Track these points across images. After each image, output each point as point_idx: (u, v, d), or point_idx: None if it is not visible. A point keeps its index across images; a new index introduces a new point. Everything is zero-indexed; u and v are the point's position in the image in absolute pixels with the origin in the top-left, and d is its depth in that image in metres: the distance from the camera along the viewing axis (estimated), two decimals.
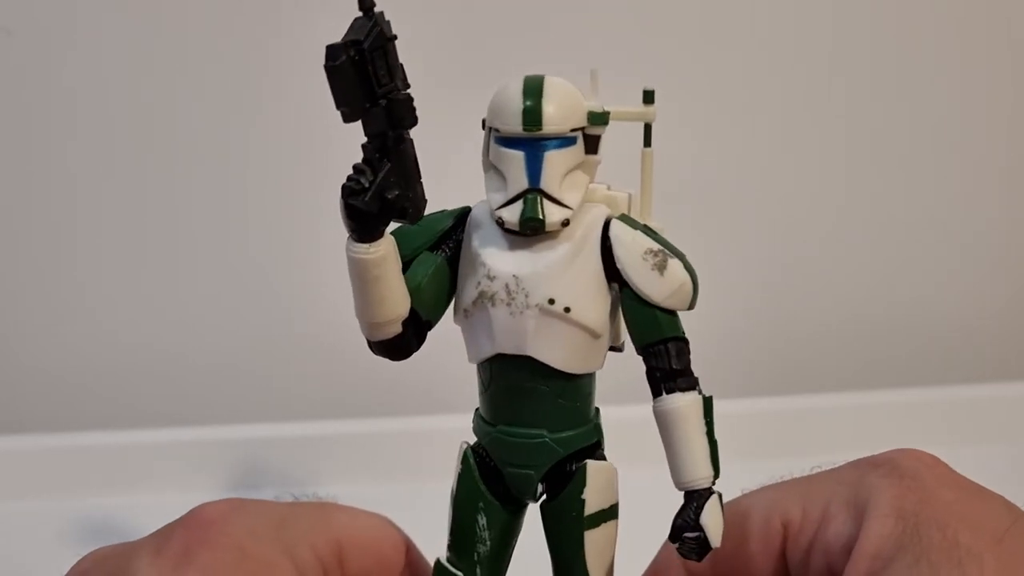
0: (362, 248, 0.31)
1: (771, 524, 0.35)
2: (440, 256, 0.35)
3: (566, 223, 0.33)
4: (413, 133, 0.31)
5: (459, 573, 0.36)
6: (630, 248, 0.33)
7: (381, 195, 0.30)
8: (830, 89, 0.71)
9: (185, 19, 0.67)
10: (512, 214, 0.33)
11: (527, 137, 0.32)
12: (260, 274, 0.72)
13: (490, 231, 0.34)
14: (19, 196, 0.70)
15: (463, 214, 0.35)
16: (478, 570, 0.36)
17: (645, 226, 0.34)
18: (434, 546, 0.38)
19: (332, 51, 0.28)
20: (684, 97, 0.69)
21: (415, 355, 0.35)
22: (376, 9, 0.29)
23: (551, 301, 0.33)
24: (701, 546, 0.33)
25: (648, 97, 0.35)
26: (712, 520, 0.33)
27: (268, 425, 0.67)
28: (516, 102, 0.32)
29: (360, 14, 0.29)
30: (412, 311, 0.33)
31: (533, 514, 0.37)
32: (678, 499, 0.34)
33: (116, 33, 0.67)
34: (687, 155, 0.70)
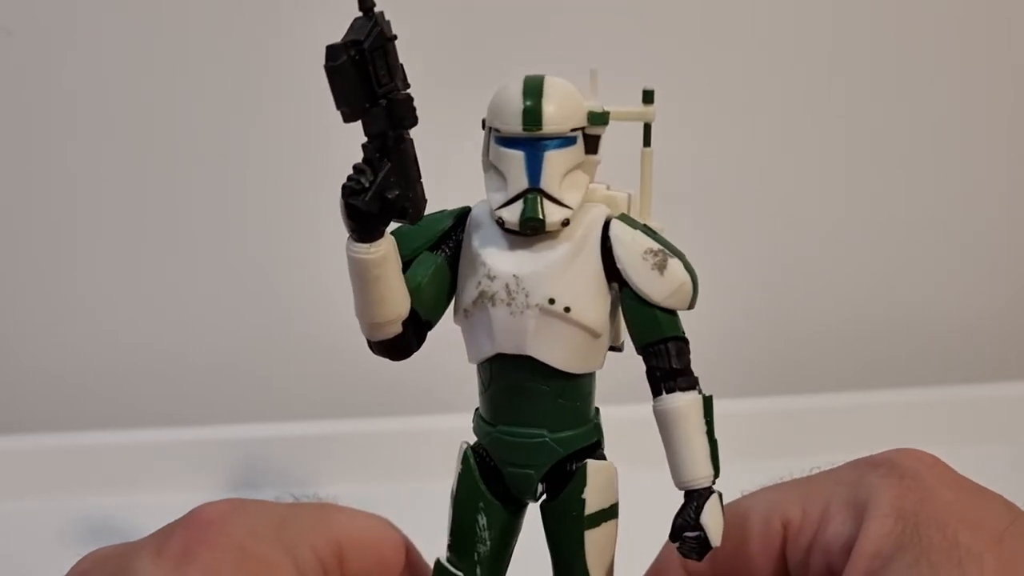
0: (362, 248, 0.31)
1: (771, 524, 0.35)
2: (440, 256, 0.35)
3: (566, 223, 0.33)
4: (413, 133, 0.31)
5: (459, 573, 0.36)
6: (630, 248, 0.33)
7: (381, 195, 0.30)
8: (830, 89, 0.71)
9: (185, 19, 0.67)
10: (512, 214, 0.33)
11: (527, 137, 0.32)
12: (260, 274, 0.72)
13: (490, 231, 0.34)
14: (19, 196, 0.70)
15: (463, 214, 0.35)
16: (478, 570, 0.36)
17: (645, 226, 0.34)
18: (434, 546, 0.38)
19: (332, 51, 0.28)
20: (684, 97, 0.69)
21: (415, 355, 0.35)
22: (376, 9, 0.29)
23: (551, 301, 0.33)
24: (701, 545, 0.33)
25: (647, 97, 0.35)
26: (712, 519, 0.33)
27: (268, 425, 0.67)
28: (516, 102, 0.32)
29: (360, 14, 0.29)
30: (412, 311, 0.33)
31: (533, 514, 0.37)
32: (677, 499, 0.34)
33: (116, 33, 0.67)
34: (687, 155, 0.70)
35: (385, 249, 0.31)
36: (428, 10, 0.65)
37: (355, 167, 0.30)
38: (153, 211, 0.70)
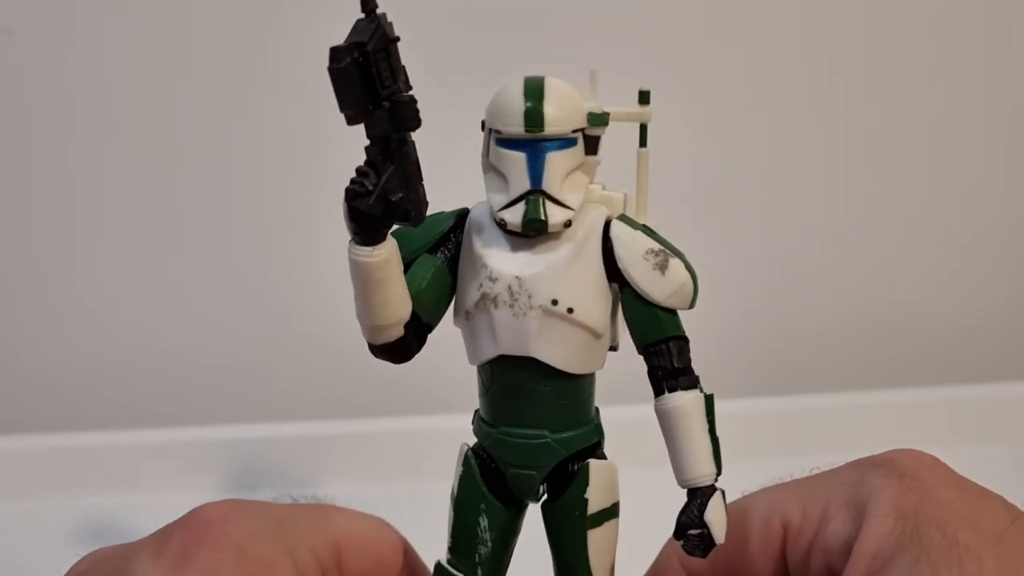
0: (365, 251, 0.31)
1: (771, 525, 0.36)
2: (439, 258, 0.35)
3: (568, 224, 0.33)
4: (413, 134, 0.31)
5: (460, 575, 0.36)
6: (631, 248, 0.34)
7: (385, 197, 0.30)
8: (830, 89, 0.71)
9: (185, 19, 0.67)
10: (515, 215, 0.33)
11: (529, 138, 0.32)
12: (260, 274, 0.72)
13: (491, 232, 0.34)
14: (19, 196, 0.70)
15: (461, 216, 0.35)
16: (479, 571, 0.36)
17: (644, 226, 0.34)
18: (434, 546, 0.38)
19: (336, 53, 0.28)
20: (684, 97, 0.69)
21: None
22: (378, 10, 0.29)
23: (554, 302, 0.33)
24: (705, 542, 0.33)
25: (644, 98, 0.35)
26: (716, 516, 0.33)
27: (268, 425, 0.67)
28: (517, 103, 0.32)
29: (362, 15, 0.29)
30: (413, 314, 0.33)
31: (532, 514, 0.37)
32: (674, 498, 0.34)
33: (116, 33, 0.67)
34: (687, 155, 0.70)
35: (388, 252, 0.31)
36: (428, 10, 0.65)
37: (358, 170, 0.30)
38: (153, 211, 0.70)
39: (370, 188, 0.29)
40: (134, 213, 0.70)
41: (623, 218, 0.34)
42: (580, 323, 0.33)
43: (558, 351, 0.34)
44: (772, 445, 0.62)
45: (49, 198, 0.70)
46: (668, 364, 0.34)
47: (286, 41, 0.67)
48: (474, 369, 0.36)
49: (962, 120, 0.73)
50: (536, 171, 0.32)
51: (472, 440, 0.37)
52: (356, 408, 0.69)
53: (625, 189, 0.37)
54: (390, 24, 0.29)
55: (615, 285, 0.34)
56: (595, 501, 0.35)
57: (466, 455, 0.36)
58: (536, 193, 0.32)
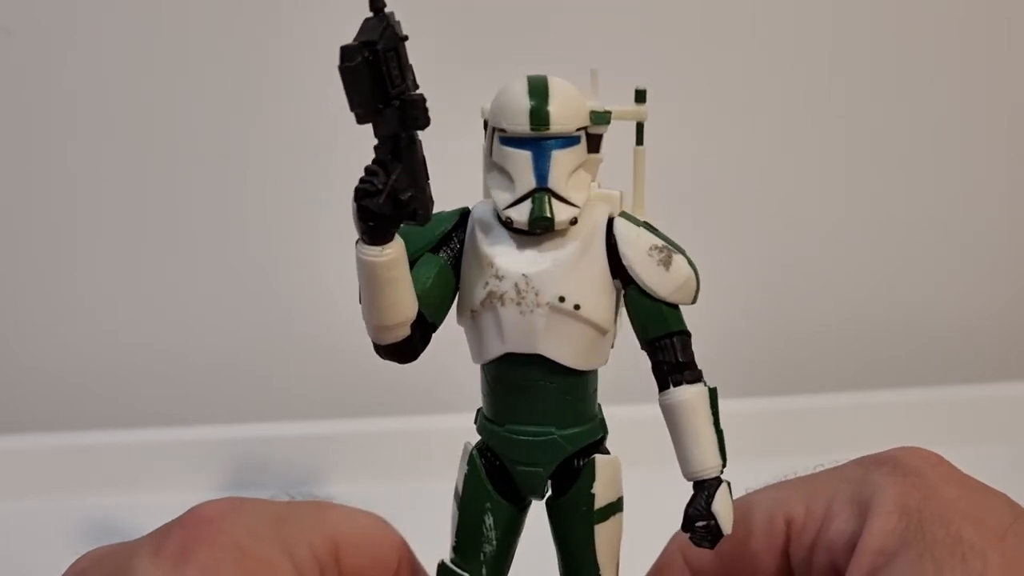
0: (374, 251, 0.31)
1: (774, 522, 0.36)
2: (442, 257, 0.35)
3: (574, 221, 0.33)
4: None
5: (465, 574, 0.36)
6: (635, 245, 0.34)
7: (394, 197, 0.30)
8: (830, 89, 0.71)
9: (185, 19, 0.67)
10: (521, 214, 0.33)
11: (534, 137, 0.32)
12: (260, 274, 0.72)
13: (495, 231, 0.34)
14: (19, 196, 0.70)
15: (463, 215, 0.35)
16: (484, 570, 0.36)
17: (646, 223, 0.35)
18: (434, 546, 0.38)
19: (348, 52, 0.28)
20: (684, 97, 0.69)
21: None
22: (386, 9, 0.29)
23: (561, 299, 0.33)
24: (713, 533, 0.33)
25: (640, 96, 0.35)
26: (723, 508, 0.33)
27: (268, 425, 0.67)
28: (522, 102, 0.32)
29: (371, 14, 0.29)
30: (418, 313, 0.33)
31: (531, 514, 0.37)
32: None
33: (116, 33, 0.67)
34: (687, 155, 0.70)
35: (396, 251, 0.31)
36: (428, 10, 0.65)
37: (367, 169, 0.30)
38: (153, 211, 0.70)
39: (380, 187, 0.29)
40: (134, 213, 0.70)
41: (625, 215, 0.35)
42: (587, 319, 0.34)
43: (564, 348, 0.34)
44: (772, 445, 0.61)
45: (49, 198, 0.70)
46: (673, 359, 0.34)
47: (286, 41, 0.67)
48: (474, 368, 0.36)
49: (962, 120, 0.73)
50: (542, 169, 0.33)
51: (473, 439, 0.37)
52: (356, 408, 0.69)
53: (620, 187, 0.37)
54: (398, 23, 0.29)
55: (618, 281, 0.34)
56: (601, 496, 0.35)
57: (471, 454, 0.36)
58: (542, 191, 0.33)
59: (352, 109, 0.28)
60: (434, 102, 0.30)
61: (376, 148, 0.30)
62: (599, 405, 0.37)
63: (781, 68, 0.70)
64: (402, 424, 0.67)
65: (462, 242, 0.35)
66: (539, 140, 0.33)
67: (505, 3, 0.67)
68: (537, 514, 0.37)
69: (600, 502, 0.35)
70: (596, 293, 0.34)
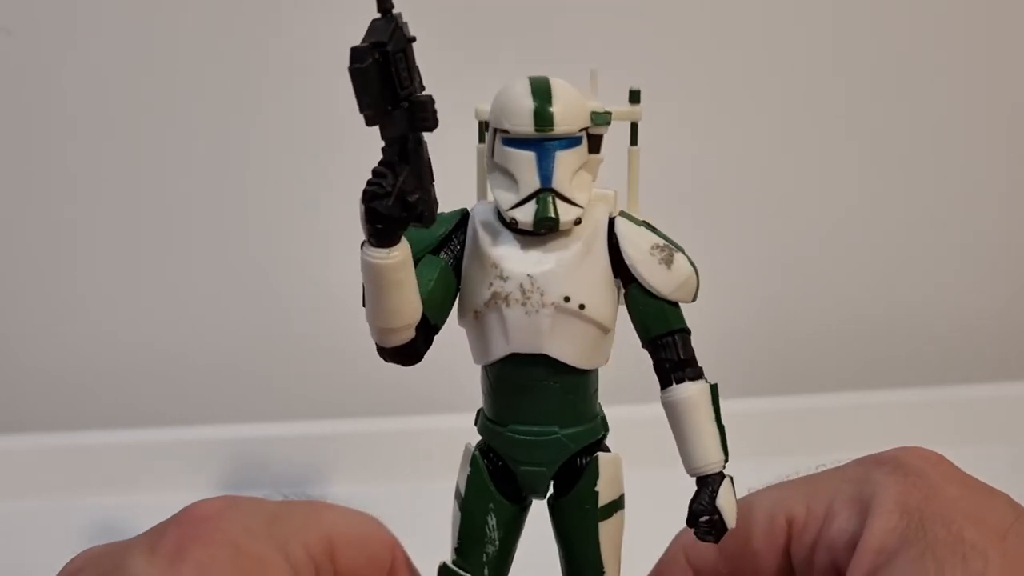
0: (381, 253, 0.31)
1: (775, 521, 0.36)
2: (443, 259, 0.35)
3: (578, 221, 0.33)
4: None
5: (467, 575, 0.36)
6: (638, 244, 0.34)
7: (403, 198, 0.30)
8: (830, 89, 0.71)
9: (185, 19, 0.67)
10: (526, 214, 0.33)
11: (538, 138, 0.33)
12: (260, 274, 0.72)
13: (498, 232, 0.34)
14: (19, 196, 0.70)
15: (463, 216, 0.35)
16: (486, 571, 0.36)
17: (645, 222, 0.35)
18: (434, 546, 0.38)
19: (358, 53, 0.28)
20: (684, 97, 0.69)
21: None
22: (394, 10, 0.28)
23: (566, 299, 0.34)
24: (718, 528, 0.34)
25: (634, 97, 0.36)
26: (727, 502, 0.34)
27: (268, 425, 0.67)
28: (526, 103, 0.32)
29: (378, 15, 0.29)
30: (422, 315, 0.33)
31: (531, 513, 0.37)
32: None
33: (115, 33, 0.67)
34: (687, 155, 0.70)
35: (403, 253, 0.31)
36: (425, 10, 0.65)
37: (375, 171, 0.30)
38: (153, 211, 0.70)
39: (388, 189, 0.29)
40: (134, 213, 0.70)
41: (625, 214, 0.35)
42: (591, 319, 0.34)
43: (569, 347, 0.34)
44: (772, 445, 0.62)
45: (49, 198, 0.70)
46: (675, 356, 0.34)
47: (286, 41, 0.67)
48: (473, 368, 0.36)
49: (962, 120, 0.73)
50: (546, 170, 0.33)
51: (473, 439, 0.37)
52: (356, 408, 0.69)
53: (613, 187, 0.37)
54: (405, 24, 0.29)
55: (618, 280, 0.35)
56: (605, 494, 0.36)
57: (474, 455, 0.36)
58: (546, 191, 0.33)
59: (362, 111, 0.28)
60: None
61: (384, 150, 0.30)
62: (599, 404, 0.37)
63: (781, 68, 0.70)
64: (402, 424, 0.67)
65: (462, 243, 0.35)
66: (542, 141, 0.33)
67: (504, 3, 0.67)
68: (537, 513, 0.37)
69: (603, 500, 0.35)
70: (600, 292, 0.34)
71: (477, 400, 0.37)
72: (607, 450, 0.36)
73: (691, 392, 0.34)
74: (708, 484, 0.34)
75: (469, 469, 0.36)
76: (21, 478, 0.64)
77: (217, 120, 0.69)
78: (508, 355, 0.34)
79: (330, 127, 0.67)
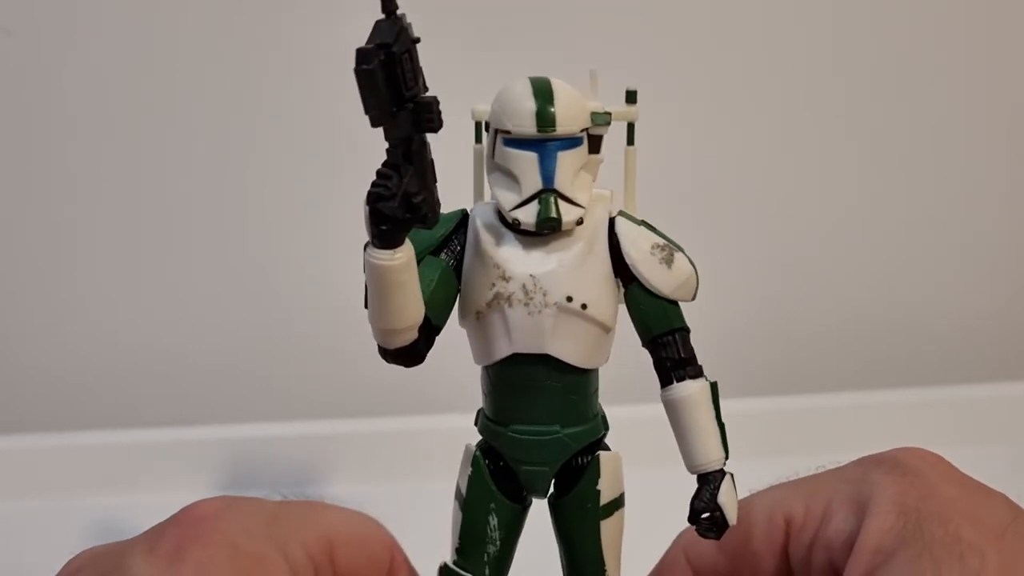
0: (386, 255, 0.31)
1: (774, 521, 0.36)
2: (444, 259, 0.35)
3: (580, 221, 0.34)
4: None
5: (468, 575, 0.36)
6: (638, 244, 0.34)
7: (407, 200, 0.30)
8: (830, 89, 0.71)
9: (184, 19, 0.67)
10: (528, 215, 0.33)
11: (540, 138, 0.33)
12: (260, 274, 0.72)
13: (500, 232, 0.34)
14: (19, 196, 0.70)
15: (463, 217, 0.35)
16: (487, 570, 0.36)
17: (644, 221, 0.35)
18: (434, 546, 0.38)
19: (364, 55, 0.28)
20: (684, 97, 0.69)
21: None
22: (399, 11, 0.28)
23: (569, 299, 0.34)
24: (719, 525, 0.34)
25: (631, 97, 0.36)
26: (728, 499, 0.34)
27: (268, 425, 0.67)
28: (527, 104, 0.33)
29: (382, 16, 0.28)
30: (424, 316, 0.33)
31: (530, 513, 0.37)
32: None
33: (116, 33, 0.67)
34: (687, 154, 0.70)
35: (407, 255, 0.31)
36: (426, 10, 0.65)
37: (380, 172, 0.30)
38: (153, 211, 0.70)
39: (394, 191, 0.29)
40: (134, 213, 0.70)
41: (624, 214, 0.35)
42: (593, 319, 0.34)
43: (571, 347, 0.34)
44: (772, 445, 0.62)
45: (49, 198, 0.70)
46: (675, 355, 0.34)
47: (286, 41, 0.67)
48: (473, 368, 0.36)
49: (962, 120, 0.73)
50: (548, 170, 0.33)
51: (473, 439, 0.37)
52: (356, 408, 0.69)
53: (609, 187, 0.37)
54: (410, 24, 0.29)
55: (618, 280, 0.35)
56: (606, 492, 0.36)
57: (475, 456, 0.36)
58: (549, 192, 0.33)
59: (367, 112, 0.28)
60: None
61: (388, 151, 0.30)
62: (599, 403, 0.37)
63: (781, 68, 0.70)
64: (401, 424, 0.67)
65: (463, 244, 0.35)
66: (544, 141, 0.33)
67: (504, 3, 0.67)
68: (537, 513, 0.37)
69: (605, 498, 0.36)
70: (601, 292, 0.34)
71: (477, 400, 0.37)
72: (607, 449, 0.37)
73: (692, 390, 0.34)
74: (709, 481, 0.34)
75: (470, 469, 0.36)
76: (21, 478, 0.64)
77: (217, 120, 0.69)
78: (510, 355, 0.34)
79: (330, 127, 0.67)
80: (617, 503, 0.36)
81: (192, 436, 0.66)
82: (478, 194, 0.37)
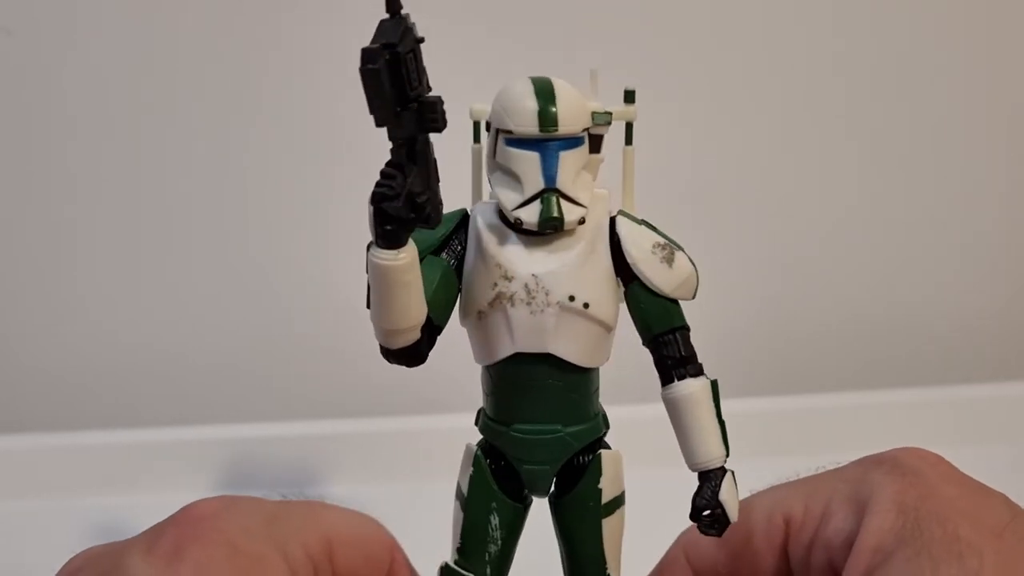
0: (390, 255, 0.31)
1: (773, 521, 0.36)
2: (445, 259, 0.35)
3: (582, 221, 0.34)
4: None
5: (469, 575, 0.36)
6: (639, 244, 0.34)
7: (412, 199, 0.30)
8: (830, 89, 0.71)
9: (184, 19, 0.67)
10: (531, 214, 0.33)
11: (542, 138, 0.33)
12: (260, 274, 0.72)
13: (501, 232, 0.34)
14: (19, 196, 0.70)
15: (463, 217, 0.35)
16: (488, 570, 0.36)
17: (643, 220, 0.35)
18: (434, 546, 0.38)
19: (369, 54, 0.28)
20: (684, 97, 0.69)
21: None
22: (403, 11, 0.28)
23: (571, 298, 0.34)
24: (721, 522, 0.34)
25: (629, 97, 0.36)
26: (729, 496, 0.34)
27: (268, 425, 0.67)
28: (530, 104, 0.33)
29: (387, 15, 0.28)
30: (426, 316, 0.33)
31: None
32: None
33: (115, 33, 0.67)
34: (687, 154, 0.70)
35: (411, 255, 0.31)
36: (425, 9, 0.65)
37: (384, 172, 0.30)
38: (153, 211, 0.70)
39: (398, 191, 0.29)
40: (134, 213, 0.70)
41: (624, 213, 0.35)
42: (595, 318, 0.34)
43: (573, 346, 0.34)
44: (772, 445, 0.61)
45: (49, 198, 0.70)
46: (676, 353, 0.35)
47: (286, 41, 0.67)
48: (473, 368, 0.36)
49: (962, 120, 0.73)
50: (550, 170, 0.33)
51: (473, 439, 0.37)
52: (356, 408, 0.69)
53: (608, 187, 0.37)
54: (414, 24, 0.29)
55: (619, 279, 0.35)
56: (608, 490, 0.36)
57: (476, 455, 0.36)
58: (551, 192, 0.33)
59: (371, 111, 0.28)
60: None
61: (392, 151, 0.30)
62: (599, 402, 0.37)
63: (781, 68, 0.70)
64: (401, 424, 0.67)
65: (463, 244, 0.35)
66: (546, 141, 0.33)
67: (504, 3, 0.67)
68: (536, 512, 0.37)
69: (606, 496, 0.36)
70: (603, 291, 0.34)
71: (477, 400, 0.37)
72: (608, 447, 0.37)
73: (693, 388, 0.34)
74: (710, 479, 0.34)
75: (472, 469, 0.36)
76: (21, 478, 0.64)
77: (217, 120, 0.69)
78: (512, 355, 0.34)
79: (330, 127, 0.67)
80: (618, 501, 0.36)
81: (192, 436, 0.66)
82: (476, 194, 0.37)
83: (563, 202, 0.33)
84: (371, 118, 0.29)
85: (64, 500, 0.63)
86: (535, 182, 0.33)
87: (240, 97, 0.68)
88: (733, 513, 0.34)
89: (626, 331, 0.36)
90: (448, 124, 0.29)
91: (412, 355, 0.34)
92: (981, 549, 0.30)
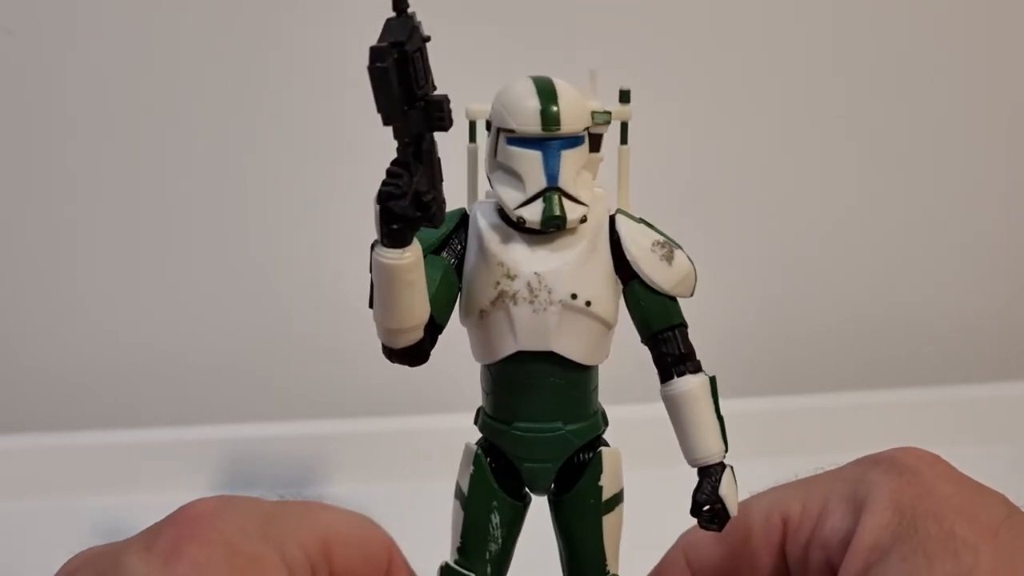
0: (395, 254, 0.31)
1: (771, 520, 0.36)
2: (445, 259, 0.35)
3: (584, 219, 0.34)
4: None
5: (470, 574, 0.36)
6: (639, 242, 0.35)
7: (418, 198, 0.30)
8: (830, 89, 0.71)
9: (184, 19, 0.67)
10: (533, 213, 0.33)
11: (544, 137, 0.33)
12: (260, 274, 0.72)
13: (503, 231, 0.34)
14: (19, 196, 0.70)
15: (463, 216, 0.35)
16: (488, 569, 0.36)
17: (642, 219, 0.35)
18: (433, 546, 0.38)
19: (378, 53, 0.28)
20: (684, 97, 0.69)
21: None
22: (410, 10, 0.28)
23: (574, 296, 0.34)
24: (721, 517, 0.34)
25: (624, 97, 0.36)
26: (729, 491, 0.34)
27: (267, 425, 0.67)
28: (532, 103, 0.33)
29: (393, 14, 0.28)
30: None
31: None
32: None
33: (115, 33, 0.67)
34: (687, 154, 0.70)
35: (416, 254, 0.31)
36: (424, 9, 0.65)
37: (390, 171, 0.30)
38: (153, 211, 0.70)
39: (405, 190, 0.29)
40: (134, 213, 0.70)
41: (622, 212, 0.35)
42: (597, 315, 0.34)
43: (575, 344, 0.35)
44: (772, 445, 0.62)
45: (49, 198, 0.70)
46: (675, 350, 0.35)
47: (286, 41, 0.67)
48: (473, 367, 0.36)
49: (962, 120, 0.73)
50: (552, 169, 0.33)
51: (472, 439, 0.37)
52: (355, 408, 0.69)
53: (604, 186, 0.37)
54: (420, 23, 0.29)
55: (618, 277, 0.35)
56: (608, 488, 0.36)
57: (476, 454, 0.36)
58: (553, 190, 0.33)
59: (379, 110, 0.28)
60: None
61: (399, 149, 0.30)
62: (598, 400, 0.37)
63: (781, 68, 0.70)
64: (401, 424, 0.67)
65: (463, 243, 0.35)
66: (548, 140, 0.33)
67: (503, 2, 0.67)
68: (535, 511, 0.37)
69: (607, 494, 0.36)
70: (604, 289, 0.35)
71: (477, 400, 0.37)
72: (607, 445, 0.37)
73: (692, 385, 0.34)
74: (710, 474, 0.34)
75: (472, 468, 0.36)
76: (21, 478, 0.64)
77: (217, 120, 0.69)
78: (514, 353, 0.34)
79: (330, 127, 0.67)
80: (618, 498, 0.37)
81: (192, 436, 0.66)
82: (472, 194, 0.37)
83: (565, 201, 0.33)
84: (371, 118, 0.29)
85: (64, 500, 0.63)
86: (537, 181, 0.33)
87: (240, 97, 0.68)
88: (733, 508, 0.34)
89: (626, 331, 0.36)
90: (457, 124, 0.29)
91: (415, 355, 0.34)
92: (977, 546, 0.30)
